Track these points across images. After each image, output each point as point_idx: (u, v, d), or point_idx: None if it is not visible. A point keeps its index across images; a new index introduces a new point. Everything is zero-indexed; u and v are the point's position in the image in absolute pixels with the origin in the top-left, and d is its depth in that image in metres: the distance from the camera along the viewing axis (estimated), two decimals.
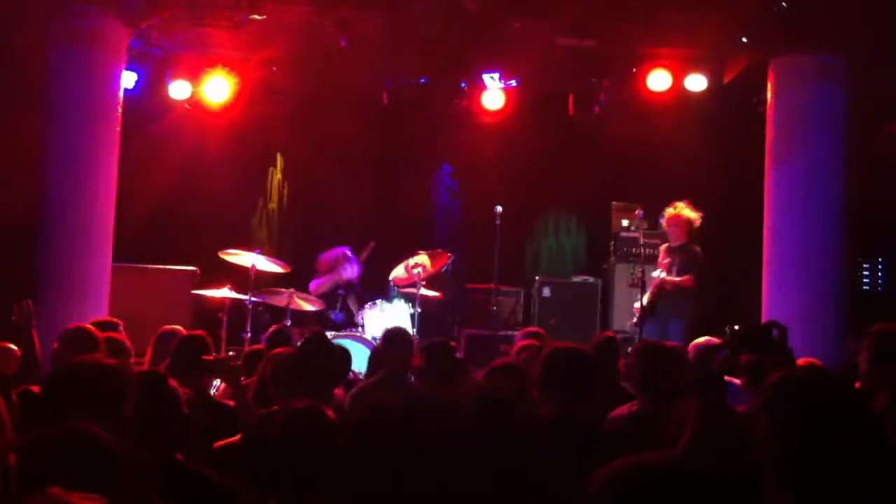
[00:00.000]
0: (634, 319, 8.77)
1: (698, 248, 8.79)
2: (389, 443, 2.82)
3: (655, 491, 1.67)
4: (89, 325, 5.29)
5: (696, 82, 9.83)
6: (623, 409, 4.43)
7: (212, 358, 4.95)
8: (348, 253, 9.56)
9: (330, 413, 3.37)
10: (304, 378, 4.33)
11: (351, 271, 9.49)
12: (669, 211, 8.80)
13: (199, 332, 5.32)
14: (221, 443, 4.16)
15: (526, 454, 2.81)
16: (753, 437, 2.25)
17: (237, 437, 4.15)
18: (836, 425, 2.14)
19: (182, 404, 3.31)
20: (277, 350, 4.95)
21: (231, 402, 4.96)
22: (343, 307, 9.42)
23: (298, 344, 5.07)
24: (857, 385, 4.25)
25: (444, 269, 9.50)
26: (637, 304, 8.70)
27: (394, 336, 5.82)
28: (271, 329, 6.80)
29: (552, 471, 2.89)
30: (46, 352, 5.09)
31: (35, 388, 3.97)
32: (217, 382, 5.96)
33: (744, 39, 9.05)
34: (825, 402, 2.18)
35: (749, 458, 2.28)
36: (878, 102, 8.59)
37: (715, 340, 6.30)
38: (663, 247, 9.00)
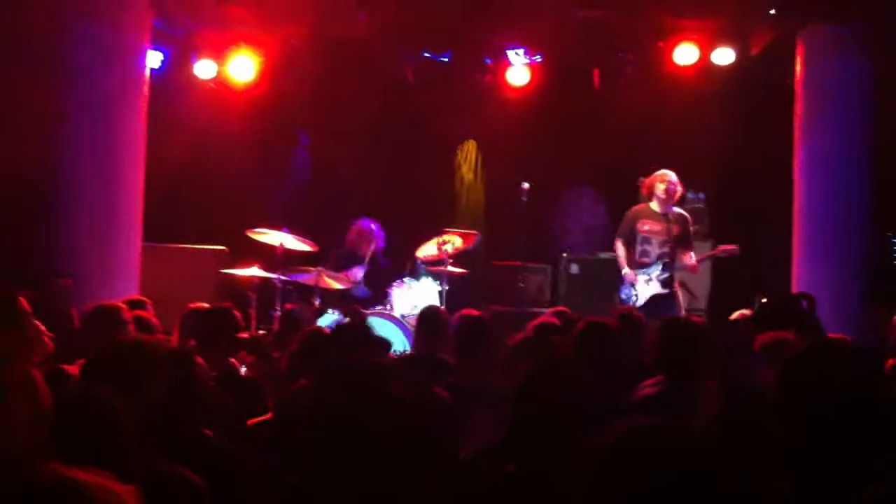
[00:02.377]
0: (634, 298, 8.05)
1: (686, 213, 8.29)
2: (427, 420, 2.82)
3: (646, 456, 1.66)
4: (116, 303, 5.29)
5: (724, 56, 9.71)
6: (646, 389, 4.34)
7: (246, 336, 4.97)
8: (372, 228, 9.49)
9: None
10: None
11: (374, 246, 9.43)
12: (670, 175, 8.15)
13: (225, 304, 5.30)
14: (254, 420, 4.20)
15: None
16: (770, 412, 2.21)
17: (269, 414, 4.18)
18: (847, 403, 2.07)
19: (208, 380, 3.34)
20: (309, 329, 4.98)
21: (259, 379, 4.99)
22: (370, 282, 9.41)
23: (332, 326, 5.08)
24: (892, 361, 4.22)
25: (471, 247, 9.48)
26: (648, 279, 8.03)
27: (427, 314, 5.84)
28: (285, 308, 6.85)
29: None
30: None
31: (69, 368, 4.02)
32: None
33: (772, 11, 8.93)
34: (837, 378, 2.11)
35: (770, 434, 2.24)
36: None
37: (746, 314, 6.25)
38: (647, 209, 8.22)
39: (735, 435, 2.37)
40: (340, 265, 9.25)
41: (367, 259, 9.32)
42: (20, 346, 3.79)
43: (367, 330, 4.82)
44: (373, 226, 9.49)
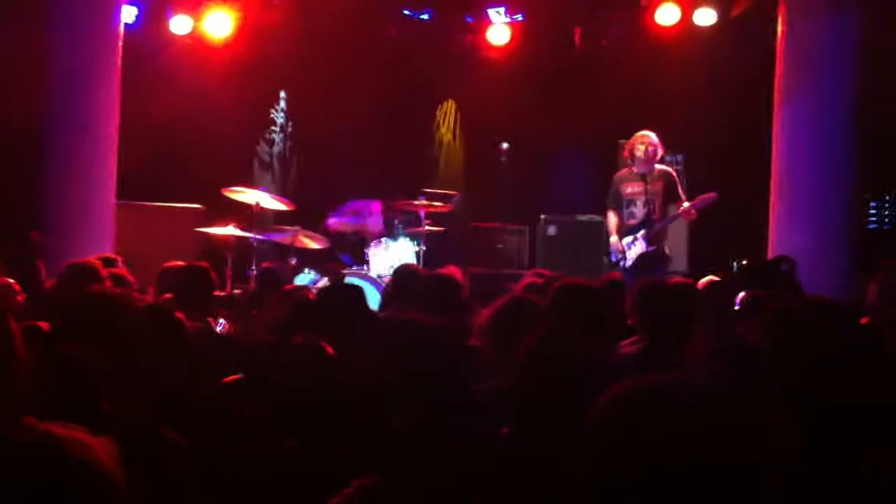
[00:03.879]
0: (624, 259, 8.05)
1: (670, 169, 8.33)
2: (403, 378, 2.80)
3: (661, 407, 1.61)
4: (91, 260, 5.24)
5: (706, 16, 9.69)
6: (627, 348, 4.31)
7: (224, 294, 4.94)
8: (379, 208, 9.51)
9: (329, 349, 3.35)
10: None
11: (374, 226, 9.43)
12: (650, 135, 8.05)
13: (202, 263, 5.26)
14: (232, 378, 4.16)
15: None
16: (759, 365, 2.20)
17: (246, 372, 4.14)
18: (839, 354, 2.08)
19: (189, 336, 3.32)
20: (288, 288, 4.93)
21: (236, 337, 4.96)
22: (353, 251, 9.38)
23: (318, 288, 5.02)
24: (866, 321, 4.23)
25: (449, 207, 9.44)
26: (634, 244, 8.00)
27: (402, 272, 5.70)
28: (262, 267, 6.82)
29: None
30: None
31: (40, 325, 3.96)
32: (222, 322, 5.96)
33: None
34: (828, 330, 2.12)
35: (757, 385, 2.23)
36: (891, 34, 8.42)
37: (717, 279, 6.26)
38: (628, 173, 8.15)
39: (735, 392, 2.36)
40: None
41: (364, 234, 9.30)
42: None
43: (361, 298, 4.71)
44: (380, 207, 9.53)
